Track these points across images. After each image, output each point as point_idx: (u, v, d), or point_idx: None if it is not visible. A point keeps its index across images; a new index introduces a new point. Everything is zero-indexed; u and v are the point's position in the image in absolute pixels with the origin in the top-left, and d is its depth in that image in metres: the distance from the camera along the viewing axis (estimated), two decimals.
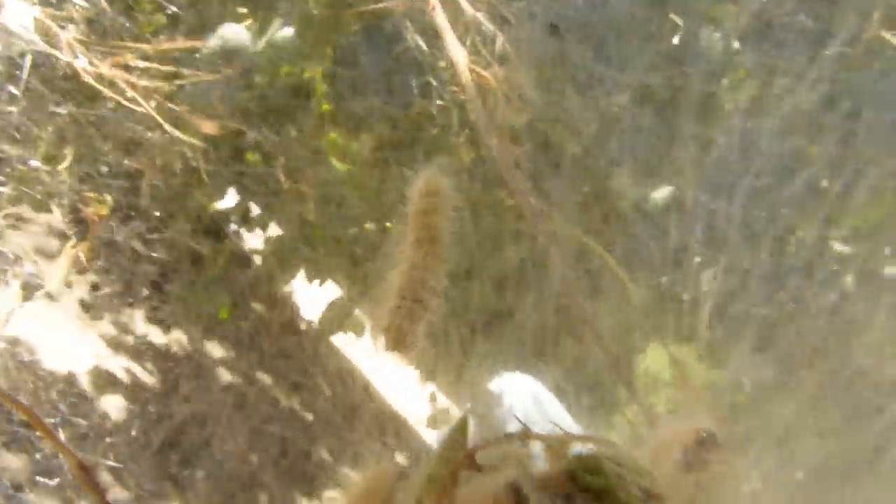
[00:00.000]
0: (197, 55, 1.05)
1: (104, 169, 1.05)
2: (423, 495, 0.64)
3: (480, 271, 1.32)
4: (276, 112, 1.48)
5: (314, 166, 1.60)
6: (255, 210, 1.84)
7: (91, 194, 1.09)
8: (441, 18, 1.29)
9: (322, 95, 1.63)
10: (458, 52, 1.27)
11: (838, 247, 1.45)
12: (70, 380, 1.76)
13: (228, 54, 0.99)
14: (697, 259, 1.41)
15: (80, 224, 1.13)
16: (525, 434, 0.69)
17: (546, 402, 1.25)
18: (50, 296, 1.71)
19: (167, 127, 0.90)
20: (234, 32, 1.42)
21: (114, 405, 1.80)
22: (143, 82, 0.94)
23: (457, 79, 1.34)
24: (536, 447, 0.67)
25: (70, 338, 1.80)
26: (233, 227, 1.89)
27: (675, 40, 1.60)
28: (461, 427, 0.67)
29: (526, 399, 1.26)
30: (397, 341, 0.72)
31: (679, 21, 1.59)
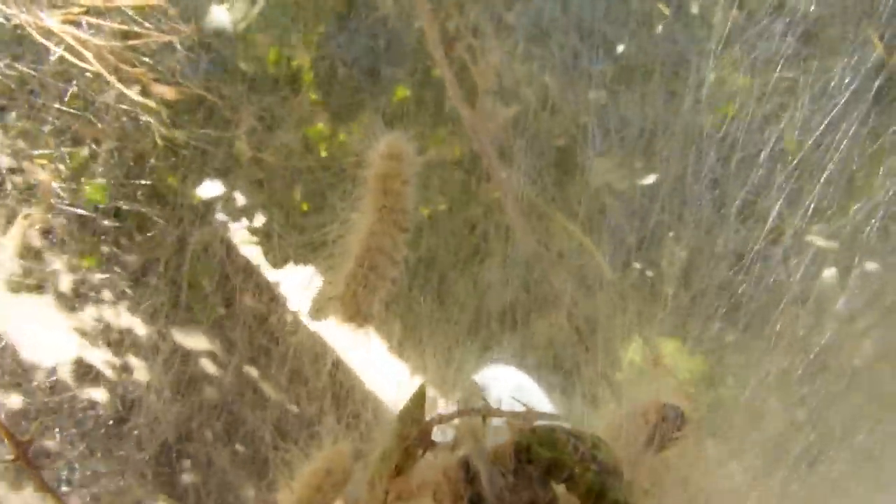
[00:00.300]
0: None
1: (57, 133, 1.00)
2: (376, 473, 0.60)
3: (450, 248, 1.29)
4: (262, 98, 1.44)
5: (301, 155, 1.56)
6: (241, 200, 1.80)
7: (43, 161, 1.03)
8: None
9: (310, 83, 1.59)
10: (428, 23, 1.23)
11: (819, 241, 1.44)
12: (50, 372, 1.71)
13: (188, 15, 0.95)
14: (676, 247, 1.40)
15: (32, 191, 1.07)
16: (486, 409, 0.65)
17: (531, 395, 1.24)
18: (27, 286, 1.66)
19: (119, 86, 0.85)
20: (217, 15, 1.37)
21: (95, 398, 1.75)
22: (95, 40, 0.88)
23: (430, 50, 1.31)
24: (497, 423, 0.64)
25: (50, 329, 1.75)
26: (219, 216, 1.85)
27: (659, 29, 1.58)
28: (417, 402, 0.64)
29: (511, 391, 1.25)
30: (352, 312, 0.68)
31: (665, 10, 1.57)
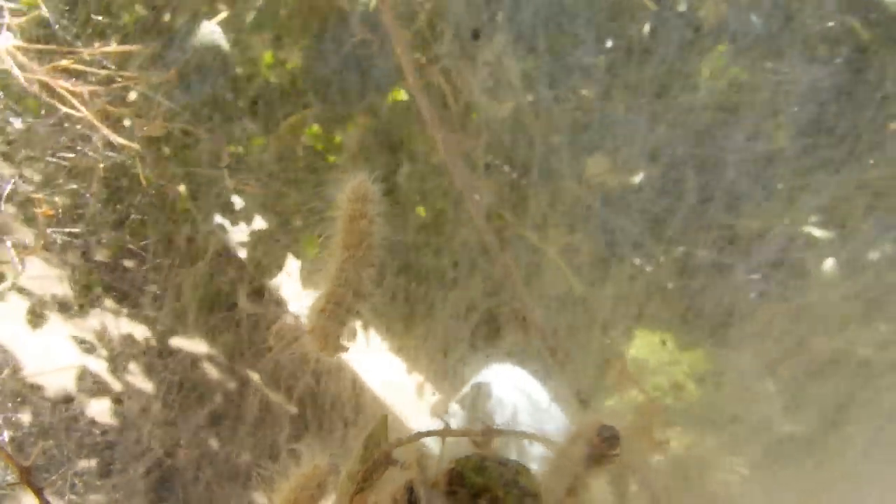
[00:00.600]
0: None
1: (52, 174, 1.07)
2: (341, 491, 0.68)
3: (423, 263, 1.34)
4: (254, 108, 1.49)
5: (300, 159, 1.62)
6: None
7: (39, 196, 1.10)
8: (387, 15, 1.31)
9: (300, 87, 1.64)
10: (402, 48, 1.28)
11: (816, 232, 1.46)
12: (52, 381, 1.77)
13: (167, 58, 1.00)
14: (667, 244, 1.43)
15: (31, 224, 1.14)
16: (447, 430, 0.72)
17: (534, 393, 1.29)
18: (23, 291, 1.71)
19: (105, 131, 0.91)
20: (210, 31, 1.42)
21: (98, 408, 1.81)
22: (80, 87, 0.95)
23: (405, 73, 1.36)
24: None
25: (52, 338, 1.80)
26: (217, 219, 1.90)
27: (647, 28, 1.60)
28: (380, 426, 0.71)
29: (514, 389, 1.30)
30: (322, 343, 0.75)
31: (652, 6, 1.59)
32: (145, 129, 1.00)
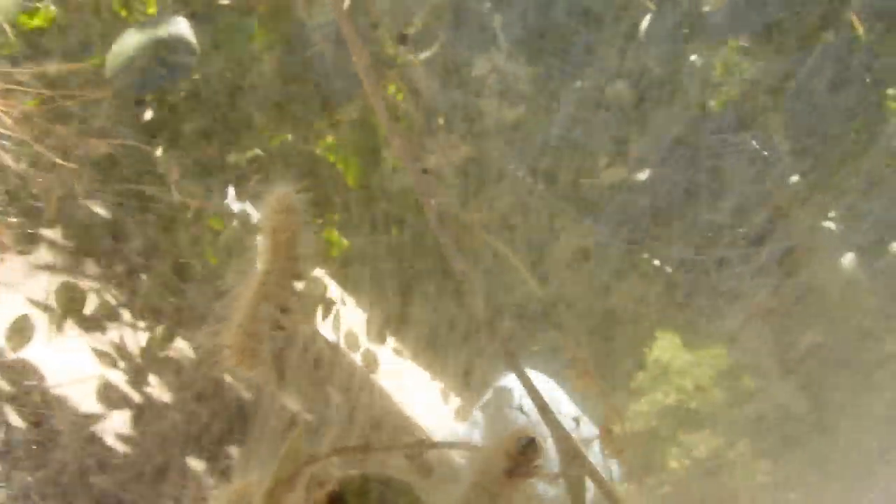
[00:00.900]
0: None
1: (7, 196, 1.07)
2: None
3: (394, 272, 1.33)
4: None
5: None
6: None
7: None
8: (341, 15, 1.29)
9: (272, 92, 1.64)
10: (357, 50, 1.26)
11: (833, 226, 1.44)
12: (73, 392, 1.78)
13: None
14: (680, 243, 1.41)
15: None
16: (366, 446, 0.70)
17: (557, 399, 1.27)
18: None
19: (39, 149, 0.91)
20: (181, 25, 1.41)
21: (121, 420, 1.82)
22: (21, 107, 0.94)
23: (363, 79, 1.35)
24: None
25: (71, 352, 1.82)
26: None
27: (645, 23, 1.58)
28: (296, 442, 0.69)
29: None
30: (239, 358, 0.74)
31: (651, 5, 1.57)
32: (88, 147, 1.00)
